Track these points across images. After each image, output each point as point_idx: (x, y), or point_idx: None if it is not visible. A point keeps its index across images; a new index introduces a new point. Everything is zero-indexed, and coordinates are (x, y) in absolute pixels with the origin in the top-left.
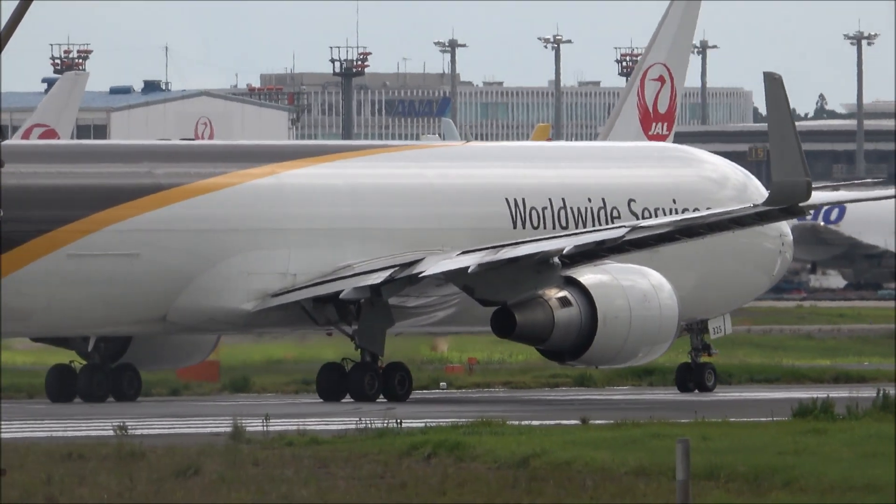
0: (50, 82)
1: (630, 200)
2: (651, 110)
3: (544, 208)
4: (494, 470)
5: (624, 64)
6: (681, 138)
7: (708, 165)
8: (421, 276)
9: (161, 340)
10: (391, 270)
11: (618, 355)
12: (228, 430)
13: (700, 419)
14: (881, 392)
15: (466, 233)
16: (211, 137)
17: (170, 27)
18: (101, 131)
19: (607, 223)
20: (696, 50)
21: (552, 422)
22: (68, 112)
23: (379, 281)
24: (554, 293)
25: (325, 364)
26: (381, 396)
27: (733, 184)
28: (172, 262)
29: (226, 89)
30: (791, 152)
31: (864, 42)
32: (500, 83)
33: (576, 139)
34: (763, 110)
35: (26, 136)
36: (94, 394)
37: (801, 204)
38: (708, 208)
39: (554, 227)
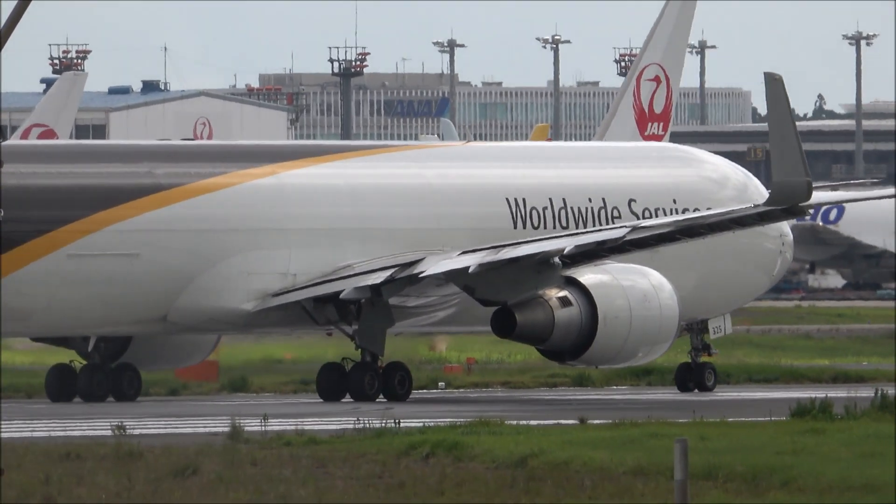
0: (49, 82)
1: (630, 200)
2: (647, 110)
3: (545, 208)
4: (493, 470)
5: (623, 64)
6: (679, 138)
7: (708, 165)
8: (421, 276)
9: (161, 340)
10: (391, 270)
11: (618, 355)
12: (227, 429)
13: (698, 419)
14: (879, 392)
15: (467, 233)
16: (210, 137)
17: (168, 27)
18: (99, 131)
19: (608, 223)
20: (694, 50)
21: (550, 422)
22: (67, 112)
23: (379, 281)
24: (554, 293)
25: (325, 364)
26: (381, 396)
27: (734, 184)
28: (173, 263)
29: (224, 89)
30: (791, 152)
31: (862, 42)
32: (499, 83)
33: (575, 139)
34: (762, 110)
35: (25, 136)
36: (94, 394)
37: (801, 204)
38: (708, 208)
39: (554, 227)
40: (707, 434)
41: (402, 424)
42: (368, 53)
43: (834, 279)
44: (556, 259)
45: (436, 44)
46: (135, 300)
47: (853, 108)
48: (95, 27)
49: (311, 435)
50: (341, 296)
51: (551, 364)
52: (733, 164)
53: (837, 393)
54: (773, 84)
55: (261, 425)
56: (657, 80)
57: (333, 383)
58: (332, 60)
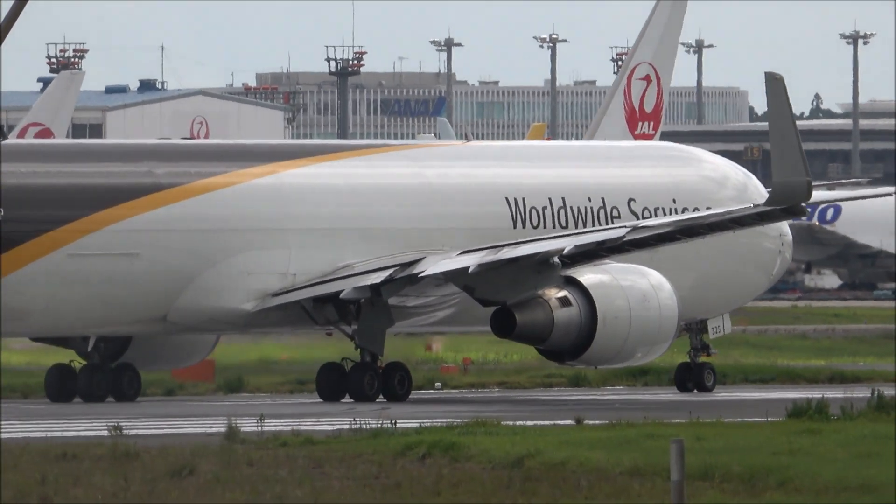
0: (46, 81)
1: (630, 200)
2: (637, 109)
3: (544, 208)
4: (489, 470)
5: (619, 63)
6: (677, 138)
7: (708, 165)
8: (421, 275)
9: (161, 340)
10: (391, 270)
11: (617, 355)
12: (223, 430)
13: (695, 419)
14: (876, 392)
15: (466, 232)
16: (206, 137)
17: (165, 26)
18: (96, 130)
19: (607, 223)
20: (691, 49)
21: (547, 422)
22: (64, 111)
23: (379, 281)
24: (554, 293)
25: (324, 364)
26: (381, 396)
27: (733, 183)
28: (172, 262)
29: (221, 88)
30: (792, 152)
31: (860, 42)
32: (496, 82)
33: (572, 138)
34: (759, 109)
35: (21, 135)
36: (93, 394)
37: (801, 204)
38: (708, 208)
39: (554, 227)
40: (703, 434)
41: (398, 425)
42: (365, 52)
43: (830, 279)
44: (556, 259)
45: (433, 43)
46: (135, 300)
47: (850, 108)
48: (92, 26)
49: (307, 435)
50: (341, 296)
51: (548, 364)
52: (733, 163)
53: (834, 393)
54: (774, 84)
55: (257, 426)
56: (648, 79)
57: (333, 383)
58: (328, 59)
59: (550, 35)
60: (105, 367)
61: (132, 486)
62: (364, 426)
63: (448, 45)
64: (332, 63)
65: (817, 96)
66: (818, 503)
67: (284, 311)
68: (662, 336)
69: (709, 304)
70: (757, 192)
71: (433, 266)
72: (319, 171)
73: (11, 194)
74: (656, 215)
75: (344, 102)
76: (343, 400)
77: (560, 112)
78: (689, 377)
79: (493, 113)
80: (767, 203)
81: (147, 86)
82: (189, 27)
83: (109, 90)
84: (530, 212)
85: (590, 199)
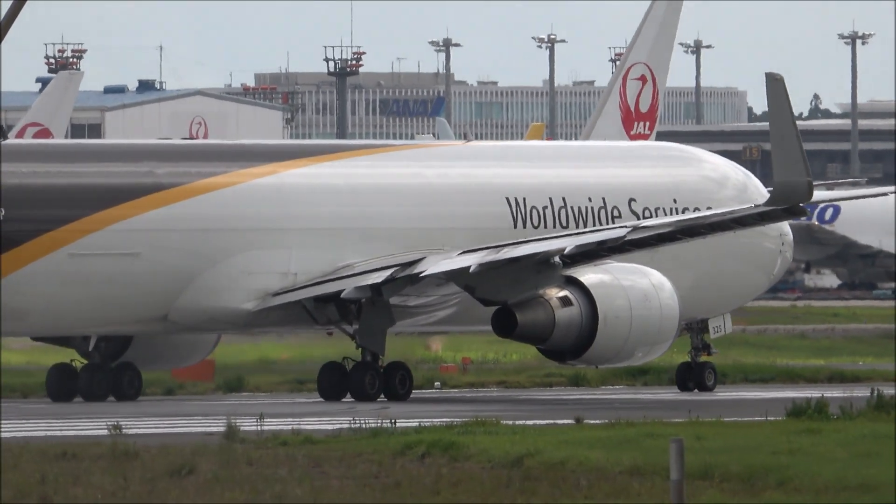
0: (44, 82)
1: (630, 200)
2: (633, 110)
3: (545, 208)
4: (489, 469)
5: (618, 63)
6: (675, 138)
7: (708, 165)
8: (422, 275)
9: (162, 340)
10: (392, 270)
11: (618, 355)
12: (222, 429)
13: (694, 419)
14: (875, 392)
15: (467, 232)
16: (205, 137)
17: (164, 26)
18: (95, 131)
19: (608, 223)
20: (690, 49)
21: (546, 421)
22: (62, 111)
23: (380, 280)
24: (555, 293)
25: (325, 363)
26: (382, 396)
27: (734, 183)
28: (173, 262)
29: (220, 89)
30: (792, 152)
31: (858, 42)
32: (495, 83)
33: (570, 139)
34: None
35: (20, 135)
36: (94, 393)
37: (802, 204)
38: (708, 208)
39: (554, 227)
40: (703, 434)
41: (398, 424)
42: (364, 53)
43: (829, 279)
44: (557, 259)
45: (431, 43)
46: (135, 300)
47: (849, 108)
48: (91, 26)
49: (307, 434)
50: (342, 295)
51: (547, 364)
52: (733, 163)
53: (833, 393)
54: (774, 84)
55: (257, 425)
56: (643, 79)
57: (334, 383)
58: (327, 60)
59: (549, 35)
60: (106, 367)
61: (132, 486)
62: (364, 425)
63: (447, 46)
64: (331, 63)
65: (816, 96)
66: (818, 503)
67: (285, 310)
68: (663, 336)
69: (709, 304)
70: (757, 192)
71: (434, 266)
72: (320, 171)
73: (12, 194)
74: (657, 215)
75: (343, 103)
76: (344, 399)
77: (559, 112)
78: (690, 377)
79: (491, 113)
80: (768, 203)
81: (146, 86)
82: (188, 27)
83: (108, 90)
84: (531, 212)
85: (590, 199)
